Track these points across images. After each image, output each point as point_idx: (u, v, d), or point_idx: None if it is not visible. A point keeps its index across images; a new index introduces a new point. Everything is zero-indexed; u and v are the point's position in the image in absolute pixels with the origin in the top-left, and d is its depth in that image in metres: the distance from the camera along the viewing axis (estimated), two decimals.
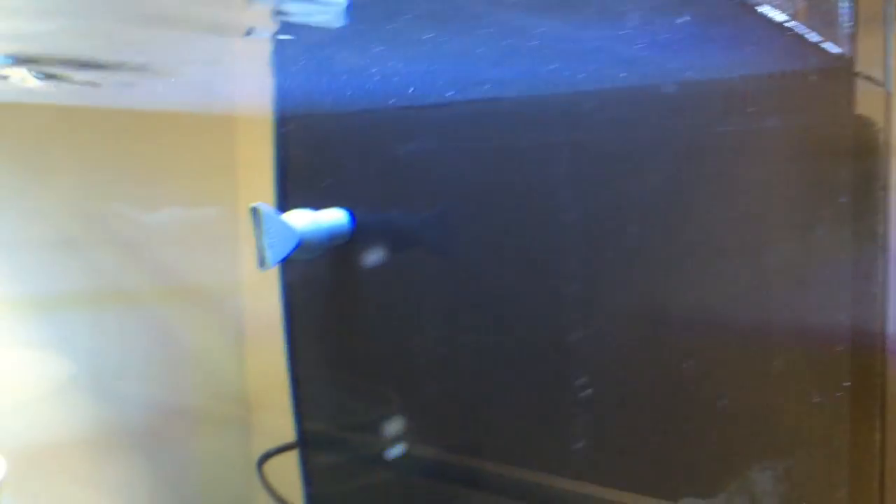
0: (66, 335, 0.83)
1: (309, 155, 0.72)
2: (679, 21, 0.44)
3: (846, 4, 0.50)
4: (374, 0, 0.46)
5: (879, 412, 0.56)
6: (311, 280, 0.73)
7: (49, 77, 0.61)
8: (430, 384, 0.67)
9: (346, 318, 0.72)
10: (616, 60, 0.50)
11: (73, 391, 0.84)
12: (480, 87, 0.59)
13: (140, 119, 0.86)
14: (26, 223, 0.80)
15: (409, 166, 0.65)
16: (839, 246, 0.51)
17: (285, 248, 0.61)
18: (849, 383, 0.52)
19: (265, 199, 0.64)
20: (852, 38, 0.50)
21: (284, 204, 0.72)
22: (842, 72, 0.50)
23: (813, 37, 0.48)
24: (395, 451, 0.69)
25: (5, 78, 0.62)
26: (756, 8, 0.44)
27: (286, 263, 0.68)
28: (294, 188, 0.72)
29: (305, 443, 0.76)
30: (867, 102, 0.52)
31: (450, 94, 0.61)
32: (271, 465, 0.87)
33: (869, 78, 0.52)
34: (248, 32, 0.51)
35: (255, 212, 0.61)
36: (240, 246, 0.95)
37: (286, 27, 0.49)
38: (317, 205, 0.66)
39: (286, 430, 0.85)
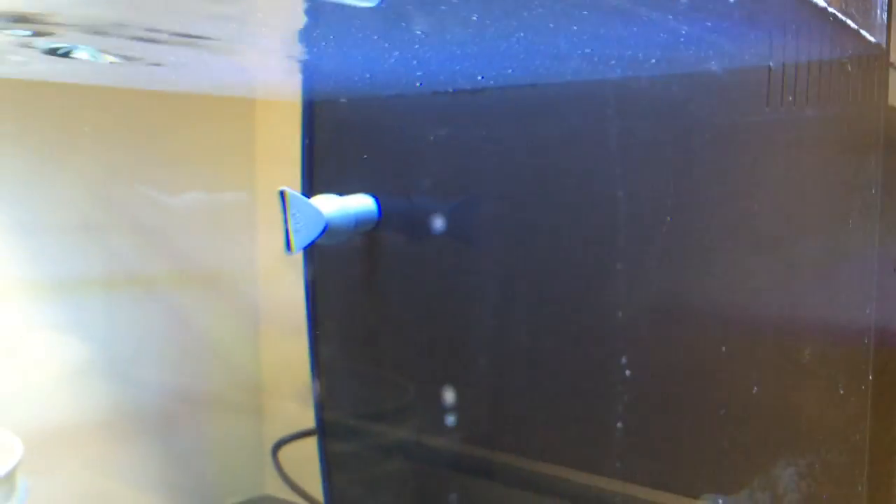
0: (83, 319, 0.83)
1: (336, 139, 0.71)
2: (722, 7, 0.44)
3: None
4: None
5: None
6: (335, 267, 0.73)
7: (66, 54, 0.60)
8: (452, 374, 0.67)
9: (370, 306, 0.72)
10: (652, 47, 0.50)
11: (89, 375, 0.84)
12: (513, 73, 0.59)
13: (159, 102, 0.86)
14: (45, 206, 0.80)
15: (438, 153, 0.65)
16: (867, 238, 0.51)
17: (312, 233, 0.60)
18: (872, 377, 0.52)
19: (285, 184, 0.64)
20: (888, 27, 0.50)
21: (310, 189, 0.72)
22: (877, 61, 0.50)
23: (851, 23, 0.48)
24: (418, 441, 0.69)
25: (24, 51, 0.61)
26: None
27: (310, 249, 0.68)
28: (321, 173, 0.72)
29: (324, 431, 0.76)
30: None
31: (482, 79, 0.60)
32: (284, 453, 0.88)
33: None
34: None
35: (282, 195, 0.61)
36: (257, 232, 0.95)
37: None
38: (343, 190, 0.66)
39: (299, 417, 0.85)
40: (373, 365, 0.73)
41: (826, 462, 0.53)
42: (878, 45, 0.50)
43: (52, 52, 0.58)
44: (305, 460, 0.83)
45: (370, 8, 0.48)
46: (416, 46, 0.54)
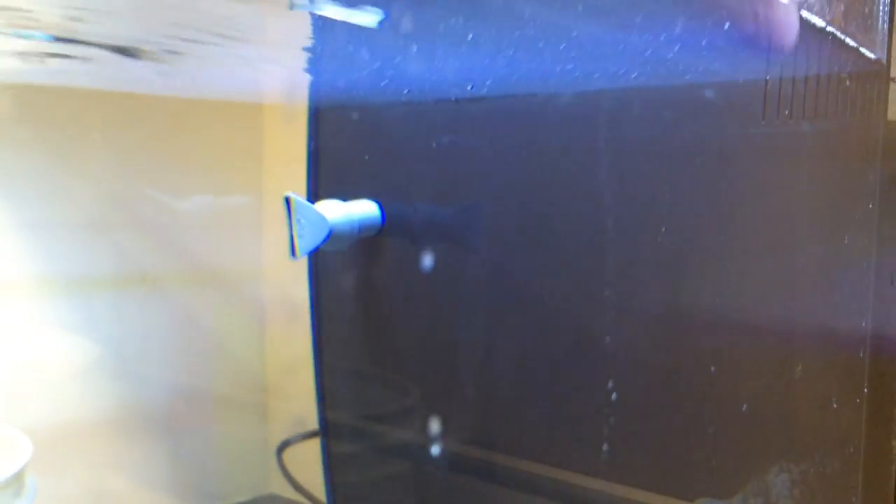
0: (91, 318, 0.84)
1: (341, 146, 0.72)
2: (720, 23, 0.44)
3: (883, 10, 0.50)
4: None
5: None
6: (340, 271, 0.74)
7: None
8: (455, 377, 0.68)
9: (373, 310, 0.72)
10: (654, 60, 0.50)
11: (97, 373, 0.85)
12: (516, 82, 0.59)
13: (169, 106, 0.86)
14: (55, 205, 0.81)
15: (441, 160, 0.66)
16: (864, 251, 0.52)
17: (316, 239, 0.61)
18: (868, 390, 0.53)
19: (291, 187, 0.64)
20: (888, 43, 0.51)
21: (315, 194, 0.73)
22: (877, 76, 0.51)
23: (851, 41, 0.49)
24: (421, 443, 0.70)
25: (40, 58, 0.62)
26: (801, 12, 0.44)
27: (314, 254, 0.68)
28: (325, 178, 0.73)
29: (328, 432, 0.77)
30: None
31: (485, 88, 0.61)
32: (289, 452, 0.88)
33: None
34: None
35: (287, 201, 0.62)
36: (264, 234, 0.96)
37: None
38: (347, 196, 0.67)
39: (304, 417, 0.85)
40: (376, 367, 0.74)
41: (820, 474, 0.53)
42: (878, 60, 0.50)
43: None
44: (311, 460, 0.84)
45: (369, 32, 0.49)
46: (417, 56, 0.54)
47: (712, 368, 0.55)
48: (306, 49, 0.58)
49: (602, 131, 0.58)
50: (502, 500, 0.67)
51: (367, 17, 0.45)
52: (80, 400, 0.84)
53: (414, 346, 0.70)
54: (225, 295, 0.95)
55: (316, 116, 0.72)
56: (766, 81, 0.49)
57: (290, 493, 0.91)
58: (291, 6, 0.47)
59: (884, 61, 0.51)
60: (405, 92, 0.64)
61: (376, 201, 0.67)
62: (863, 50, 0.49)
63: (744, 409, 0.54)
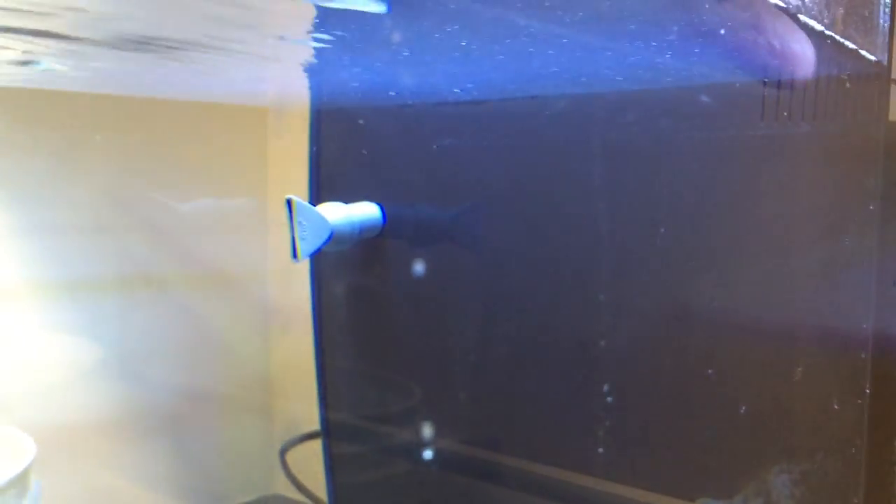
0: (95, 320, 0.85)
1: (342, 148, 0.72)
2: (718, 28, 0.44)
3: (883, 13, 0.50)
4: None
5: None
6: (341, 272, 0.74)
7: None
8: (455, 378, 0.68)
9: (374, 311, 0.73)
10: (652, 63, 0.50)
11: (102, 375, 0.85)
12: (515, 84, 0.59)
13: (173, 110, 0.87)
14: (59, 209, 0.81)
15: (441, 162, 0.66)
16: (865, 253, 0.52)
17: (318, 241, 0.61)
18: (870, 390, 0.52)
19: (295, 190, 0.65)
20: (889, 45, 0.51)
21: (317, 196, 0.73)
22: (878, 78, 0.51)
23: (850, 44, 0.49)
24: (421, 444, 0.70)
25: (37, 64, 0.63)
26: (798, 16, 0.44)
27: (316, 255, 0.69)
28: (327, 181, 0.73)
29: (330, 433, 0.77)
30: None
31: (484, 91, 0.61)
32: (292, 453, 0.88)
33: None
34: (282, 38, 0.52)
35: (289, 203, 0.62)
36: (267, 236, 0.96)
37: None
38: (349, 198, 0.67)
39: (307, 418, 0.86)
40: (377, 368, 0.74)
41: (822, 475, 0.53)
42: (878, 62, 0.50)
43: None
44: (315, 461, 0.84)
45: (370, 33, 0.49)
46: (417, 59, 0.54)
47: (709, 371, 0.55)
48: (308, 52, 0.58)
49: (601, 133, 0.58)
50: (504, 501, 0.67)
51: (374, 6, 0.45)
52: (85, 401, 0.84)
53: (415, 347, 0.71)
54: (229, 297, 0.95)
55: (317, 119, 0.73)
56: (765, 83, 0.49)
57: (293, 493, 0.91)
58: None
59: (884, 63, 0.51)
60: (404, 94, 0.64)
61: (377, 203, 0.68)
62: (863, 52, 0.49)
63: (743, 410, 0.54)
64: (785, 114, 0.50)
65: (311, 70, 0.63)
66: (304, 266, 0.76)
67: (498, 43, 0.48)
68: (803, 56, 0.47)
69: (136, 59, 0.56)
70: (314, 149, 0.73)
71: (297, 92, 0.77)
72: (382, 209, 0.68)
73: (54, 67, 0.62)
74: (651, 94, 0.55)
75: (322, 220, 0.62)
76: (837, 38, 0.48)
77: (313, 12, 0.47)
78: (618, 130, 0.57)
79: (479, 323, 0.66)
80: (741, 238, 0.54)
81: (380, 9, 0.45)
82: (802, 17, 0.45)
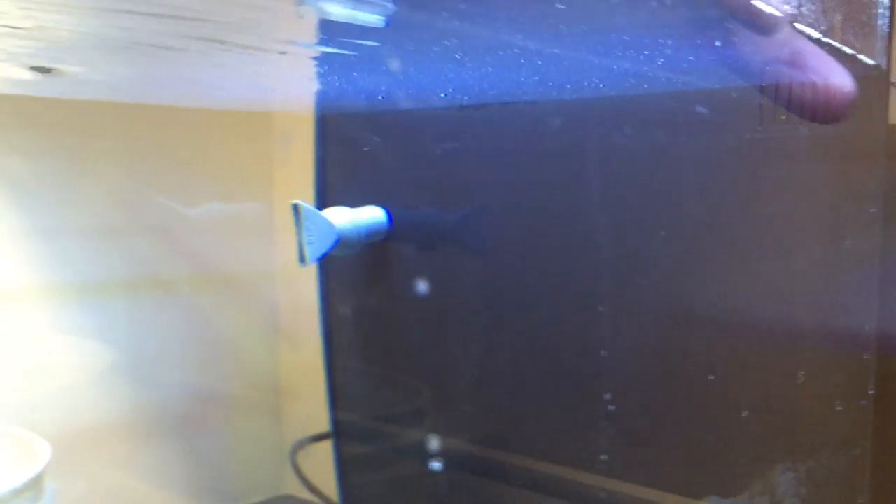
0: (106, 322, 0.85)
1: (348, 153, 0.73)
2: (717, 34, 0.44)
3: (882, 17, 0.50)
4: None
5: None
6: (349, 275, 0.74)
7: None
8: (463, 380, 0.69)
9: (382, 313, 0.73)
10: (654, 67, 0.51)
11: (113, 377, 0.86)
12: (520, 89, 0.60)
13: (180, 116, 0.87)
14: (69, 213, 0.82)
15: (446, 166, 0.66)
16: (868, 255, 0.52)
17: (325, 245, 0.62)
18: (873, 391, 0.53)
19: (300, 194, 0.65)
20: (888, 49, 0.51)
21: (323, 201, 0.73)
22: (877, 81, 0.51)
23: (849, 49, 0.49)
24: (431, 445, 0.70)
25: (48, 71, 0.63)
26: (794, 24, 0.45)
27: (324, 259, 0.69)
28: (333, 185, 0.73)
29: (340, 434, 0.78)
30: None
31: (489, 95, 0.62)
32: (303, 453, 0.89)
33: None
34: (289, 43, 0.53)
35: (295, 209, 0.63)
36: (275, 239, 0.97)
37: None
38: (355, 202, 0.67)
39: (316, 419, 0.86)
40: (384, 369, 0.74)
41: (827, 475, 0.54)
42: (877, 66, 0.50)
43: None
44: (325, 461, 0.85)
45: (371, 46, 0.49)
46: (421, 64, 0.55)
47: (715, 369, 0.55)
48: (312, 57, 0.58)
49: (603, 138, 0.58)
50: (514, 501, 0.68)
51: (372, 18, 0.46)
52: (97, 404, 0.85)
53: (421, 349, 0.71)
54: (238, 299, 0.96)
55: (323, 124, 0.73)
56: (762, 87, 0.50)
57: (304, 493, 0.92)
58: (299, 3, 0.47)
59: (884, 66, 0.51)
60: (408, 99, 0.65)
61: (383, 207, 0.68)
62: (861, 56, 0.49)
63: (745, 414, 0.54)
64: (783, 118, 0.51)
65: (316, 76, 0.64)
66: (311, 269, 0.77)
67: (499, 52, 0.49)
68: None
69: (148, 56, 0.57)
70: (320, 154, 0.73)
71: (301, 97, 0.77)
72: (388, 213, 0.68)
73: (71, 70, 0.63)
74: (652, 99, 0.55)
75: (329, 224, 0.62)
76: (835, 43, 0.48)
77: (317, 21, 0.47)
78: (619, 135, 0.58)
79: (484, 325, 0.67)
80: (743, 242, 0.54)
81: (378, 23, 0.46)
82: (799, 26, 0.46)
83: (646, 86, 0.54)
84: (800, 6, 0.46)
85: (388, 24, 0.45)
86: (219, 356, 0.95)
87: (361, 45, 0.50)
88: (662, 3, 0.41)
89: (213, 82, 0.69)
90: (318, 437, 0.85)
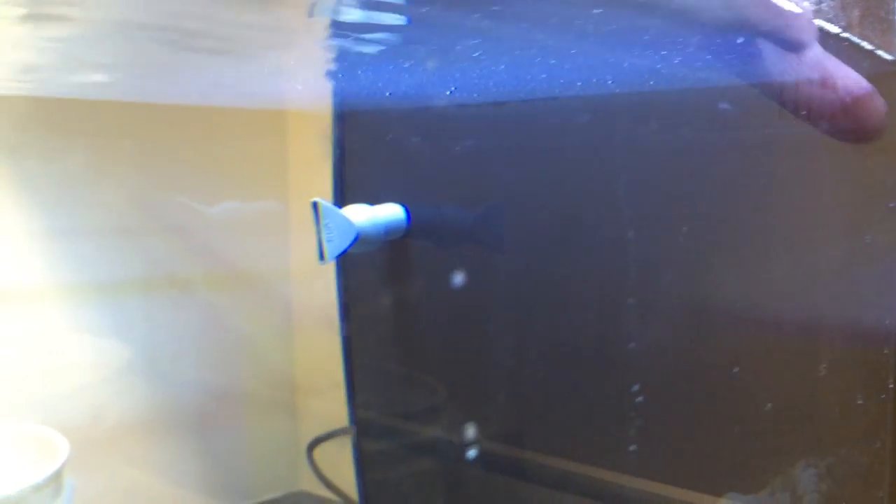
0: (123, 321, 0.86)
1: (366, 151, 0.73)
2: (729, 46, 0.45)
3: None
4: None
5: None
6: (367, 273, 0.75)
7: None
8: (481, 376, 0.69)
9: (400, 310, 0.73)
10: (673, 64, 0.51)
11: (130, 375, 0.86)
12: (538, 86, 0.60)
13: (195, 115, 0.88)
14: (86, 212, 0.82)
15: (464, 163, 0.66)
16: (888, 249, 0.52)
17: (344, 243, 0.62)
18: (894, 385, 0.53)
19: (316, 192, 0.65)
20: None
21: (342, 198, 0.74)
22: (895, 76, 0.51)
23: (867, 45, 0.49)
24: (451, 441, 0.70)
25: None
26: (813, 20, 0.45)
27: (342, 256, 0.69)
28: (351, 183, 0.73)
29: (358, 430, 0.78)
30: None
31: (507, 92, 0.62)
32: (318, 450, 0.89)
33: None
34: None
35: (315, 206, 0.63)
36: (290, 237, 0.97)
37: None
38: (373, 200, 0.68)
39: (332, 416, 0.87)
40: (403, 366, 0.75)
41: (847, 469, 0.54)
42: (895, 61, 0.51)
43: None
44: (340, 458, 0.85)
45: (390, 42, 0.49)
46: (440, 61, 0.55)
47: (736, 365, 0.55)
48: (329, 53, 0.58)
49: (623, 134, 0.59)
50: (533, 497, 0.68)
51: (391, 17, 0.46)
52: (114, 401, 0.85)
53: (441, 346, 0.71)
54: (253, 297, 0.96)
55: (340, 121, 0.73)
56: (786, 70, 0.50)
57: (319, 490, 0.92)
58: (311, 14, 0.48)
59: None
60: (427, 96, 0.65)
61: (402, 205, 0.68)
62: (879, 52, 0.50)
63: (768, 408, 0.54)
64: (804, 112, 0.51)
65: (333, 73, 0.64)
66: (326, 267, 0.77)
67: (522, 49, 0.49)
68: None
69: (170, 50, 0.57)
70: (338, 151, 0.73)
71: (317, 95, 0.77)
72: (407, 211, 0.68)
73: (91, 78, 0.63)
74: (672, 95, 0.55)
75: (348, 222, 0.62)
76: (854, 39, 0.48)
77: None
78: (639, 131, 0.58)
79: (504, 322, 0.67)
80: (764, 236, 0.54)
81: (399, 21, 0.46)
82: (818, 23, 0.46)
83: (666, 82, 0.55)
84: (819, 2, 0.46)
85: (409, 21, 0.45)
86: (234, 353, 0.95)
87: (379, 41, 0.51)
88: (690, 22, 0.41)
89: (228, 80, 0.69)
90: (336, 433, 0.85)
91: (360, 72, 0.61)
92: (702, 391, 0.58)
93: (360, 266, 0.75)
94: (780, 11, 0.44)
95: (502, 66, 0.54)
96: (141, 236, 0.85)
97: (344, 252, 0.63)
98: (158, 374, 0.88)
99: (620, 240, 0.60)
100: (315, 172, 0.88)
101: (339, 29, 0.46)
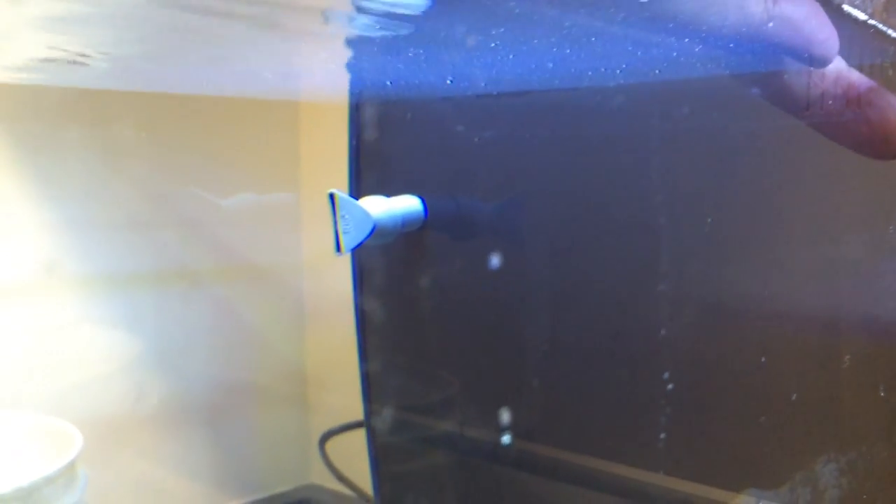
0: (135, 313, 0.86)
1: (383, 141, 0.72)
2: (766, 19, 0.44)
3: None
4: None
5: None
6: (383, 265, 0.74)
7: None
8: (499, 369, 0.68)
9: (417, 303, 0.73)
10: (697, 52, 0.50)
11: (142, 368, 0.86)
12: (556, 76, 0.59)
13: (206, 105, 0.88)
14: (98, 205, 0.82)
15: (483, 154, 0.66)
16: None
17: (361, 234, 0.62)
18: None
19: (328, 184, 0.65)
20: None
21: (358, 190, 0.73)
22: None
23: (892, 32, 0.48)
24: (466, 435, 0.70)
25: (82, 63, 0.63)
26: (841, 6, 0.44)
27: (359, 248, 0.69)
28: (368, 174, 0.73)
29: (373, 423, 0.78)
30: None
31: (525, 82, 0.61)
32: (328, 443, 0.89)
33: None
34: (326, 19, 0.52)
35: (332, 197, 0.62)
36: (301, 229, 0.97)
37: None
38: (390, 191, 0.67)
39: (343, 409, 0.87)
40: (421, 360, 0.74)
41: (868, 463, 0.53)
42: None
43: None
44: (351, 451, 0.85)
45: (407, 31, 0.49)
46: (457, 51, 0.55)
47: (756, 360, 0.55)
48: (346, 43, 0.58)
49: (645, 124, 0.58)
50: (548, 491, 0.68)
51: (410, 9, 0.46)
52: (126, 393, 0.85)
53: (458, 339, 0.71)
54: (265, 290, 0.96)
55: (357, 112, 0.73)
56: (809, 72, 0.49)
57: (329, 482, 0.92)
58: (326, 20, 0.47)
59: None
60: (447, 85, 0.65)
61: (419, 196, 0.68)
62: None
63: (790, 400, 0.54)
64: (829, 102, 0.50)
65: (350, 62, 0.63)
66: (338, 259, 0.76)
67: (544, 38, 0.48)
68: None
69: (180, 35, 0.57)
70: (354, 142, 0.73)
71: (330, 85, 0.77)
72: (424, 202, 0.68)
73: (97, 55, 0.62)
74: (696, 83, 0.55)
75: (365, 213, 0.62)
76: (880, 26, 0.48)
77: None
78: (662, 121, 0.57)
79: (523, 314, 0.66)
80: (787, 226, 0.54)
81: (418, 9, 0.45)
82: (846, 8, 0.45)
83: (684, 71, 0.54)
84: None
85: (432, 4, 0.45)
86: (246, 346, 0.95)
87: (397, 29, 0.50)
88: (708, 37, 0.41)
89: (242, 68, 0.68)
90: (349, 426, 0.85)
91: (378, 60, 0.60)
92: (727, 384, 0.57)
93: (376, 258, 0.74)
94: (802, 28, 0.43)
95: (523, 56, 0.53)
96: (153, 228, 0.85)
97: (361, 244, 0.62)
98: (170, 366, 0.88)
99: (644, 233, 0.59)
100: (327, 164, 0.88)
101: (361, 12, 0.45)
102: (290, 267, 0.98)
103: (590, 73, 0.58)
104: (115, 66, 0.65)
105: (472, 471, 0.72)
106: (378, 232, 0.63)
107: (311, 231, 0.95)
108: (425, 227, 0.68)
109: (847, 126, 0.47)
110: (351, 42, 0.56)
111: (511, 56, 0.56)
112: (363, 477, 0.82)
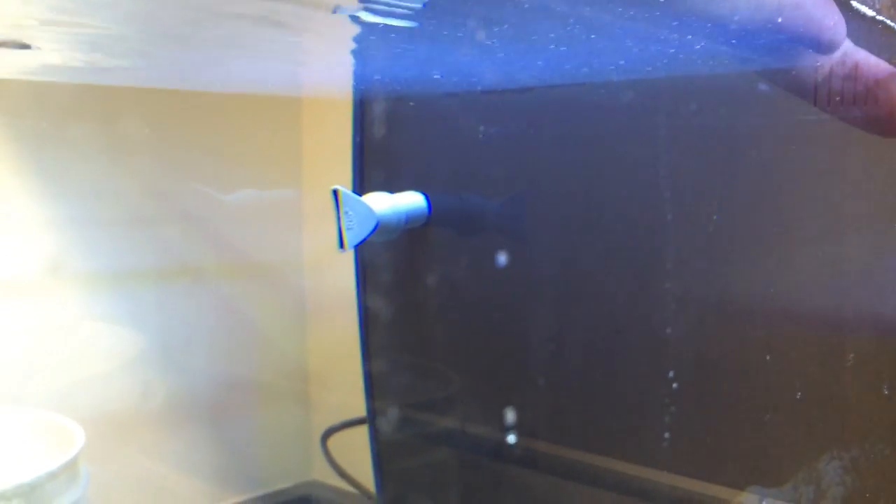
0: (137, 310, 0.86)
1: (387, 138, 0.72)
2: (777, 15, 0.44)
3: None
4: None
5: None
6: (387, 261, 0.74)
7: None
8: (501, 366, 0.68)
9: (420, 299, 0.73)
10: (705, 49, 0.50)
11: (144, 364, 0.86)
12: (561, 72, 0.59)
13: (208, 102, 0.87)
14: (101, 202, 0.82)
15: (486, 151, 0.66)
16: None
17: (365, 231, 0.62)
18: None
19: (330, 181, 0.65)
20: None
21: (361, 186, 0.73)
22: None
23: None
24: (469, 432, 0.70)
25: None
26: (850, 2, 0.44)
27: (361, 245, 0.69)
28: (372, 171, 0.73)
29: (376, 420, 0.78)
30: None
31: (531, 78, 0.61)
32: (330, 440, 0.89)
33: None
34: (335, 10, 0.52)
35: (335, 193, 0.62)
36: (303, 226, 0.97)
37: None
38: (394, 188, 0.67)
39: (345, 405, 0.86)
40: (423, 356, 0.74)
41: (871, 461, 0.53)
42: None
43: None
44: (353, 447, 0.85)
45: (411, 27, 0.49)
46: (461, 48, 0.55)
47: (761, 358, 0.55)
48: (351, 39, 0.58)
49: (652, 120, 0.58)
50: (552, 489, 0.68)
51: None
52: (128, 390, 0.85)
53: (460, 336, 0.71)
54: (267, 286, 0.96)
55: (361, 108, 0.73)
56: (817, 68, 0.49)
57: (331, 479, 0.92)
58: (335, 10, 0.47)
59: None
60: (452, 81, 0.64)
61: (423, 193, 0.68)
62: None
63: (793, 397, 0.54)
64: (837, 99, 0.50)
65: (354, 59, 0.63)
66: (340, 256, 0.76)
67: (552, 33, 0.48)
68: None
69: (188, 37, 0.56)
70: (358, 139, 0.73)
71: (333, 82, 0.77)
72: (428, 199, 0.68)
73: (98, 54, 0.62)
74: (707, 80, 0.55)
75: (369, 210, 0.62)
76: (888, 22, 0.48)
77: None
78: (668, 118, 0.57)
79: (525, 312, 0.66)
80: (793, 224, 0.54)
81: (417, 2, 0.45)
82: (855, 4, 0.45)
83: (692, 66, 0.54)
84: None
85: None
86: (248, 343, 0.95)
87: (401, 23, 0.50)
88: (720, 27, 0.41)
89: (246, 65, 0.68)
90: (351, 423, 0.85)
91: (383, 56, 0.60)
92: (734, 380, 0.57)
93: (379, 255, 0.74)
94: (811, 15, 0.44)
95: (529, 51, 0.53)
96: (155, 225, 0.85)
97: (364, 240, 0.62)
98: (172, 363, 0.88)
99: (649, 230, 0.59)
100: (330, 161, 0.88)
101: (366, 7, 0.45)
102: (292, 263, 0.98)
103: (597, 68, 0.58)
104: (117, 64, 0.65)
105: (474, 468, 0.72)
106: (381, 228, 0.63)
107: (314, 227, 0.95)
108: (429, 224, 0.68)
109: (856, 105, 0.48)
110: (355, 37, 0.56)
111: (517, 52, 0.55)
112: (365, 474, 0.82)
